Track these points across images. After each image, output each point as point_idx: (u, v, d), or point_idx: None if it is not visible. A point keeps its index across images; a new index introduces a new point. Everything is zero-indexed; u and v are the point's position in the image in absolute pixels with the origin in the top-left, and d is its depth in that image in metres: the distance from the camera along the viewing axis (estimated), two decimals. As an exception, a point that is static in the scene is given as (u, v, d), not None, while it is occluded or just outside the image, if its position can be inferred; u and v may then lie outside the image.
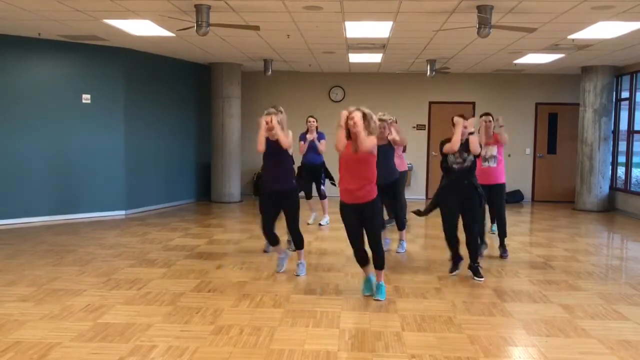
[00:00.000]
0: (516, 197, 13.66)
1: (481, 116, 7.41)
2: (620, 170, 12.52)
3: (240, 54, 11.02)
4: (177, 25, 7.69)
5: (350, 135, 5.26)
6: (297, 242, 6.30)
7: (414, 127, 13.76)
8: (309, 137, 8.98)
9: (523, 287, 6.07)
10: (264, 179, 6.30)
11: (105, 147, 10.27)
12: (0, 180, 9.28)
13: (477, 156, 6.22)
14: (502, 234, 7.44)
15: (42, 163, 9.64)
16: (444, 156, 6.25)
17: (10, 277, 6.11)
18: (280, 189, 6.08)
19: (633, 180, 12.17)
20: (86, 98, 10.08)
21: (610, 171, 12.49)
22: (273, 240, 6.31)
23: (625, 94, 12.35)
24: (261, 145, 6.04)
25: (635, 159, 12.15)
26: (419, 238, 8.97)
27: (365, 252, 5.51)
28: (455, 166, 6.15)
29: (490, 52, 10.34)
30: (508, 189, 13.44)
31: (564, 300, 5.61)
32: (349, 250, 7.70)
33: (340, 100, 13.82)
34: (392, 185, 7.17)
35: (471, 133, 6.09)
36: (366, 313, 5.11)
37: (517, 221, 11.04)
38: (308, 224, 9.39)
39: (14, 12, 7.54)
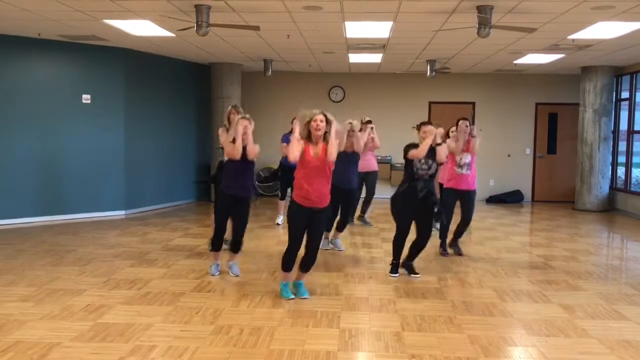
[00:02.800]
0: (516, 197, 13.66)
1: (458, 121, 7.45)
2: (620, 170, 12.52)
3: (240, 54, 11.02)
4: (177, 25, 7.69)
5: (310, 137, 5.20)
6: (239, 247, 6.24)
7: (413, 127, 13.71)
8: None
9: (523, 287, 6.07)
10: (225, 182, 6.09)
11: (105, 147, 10.27)
12: (0, 179, 9.27)
13: (440, 164, 6.25)
14: (459, 235, 7.51)
15: (42, 163, 9.64)
16: (408, 161, 6.19)
17: (10, 277, 6.11)
18: (242, 194, 6.03)
19: (633, 180, 12.17)
20: (86, 98, 10.08)
21: (610, 171, 12.49)
22: (221, 245, 6.29)
23: (625, 94, 12.35)
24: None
25: (635, 159, 12.15)
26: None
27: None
28: (420, 172, 6.12)
29: (490, 52, 10.34)
30: (508, 188, 13.66)
31: (564, 300, 5.61)
32: (349, 250, 7.76)
33: (340, 100, 13.83)
34: (352, 191, 7.39)
35: (438, 144, 6.13)
36: (366, 313, 5.11)
37: (517, 221, 11.04)
38: (278, 224, 9.52)
39: (14, 12, 7.54)
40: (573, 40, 8.98)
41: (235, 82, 12.51)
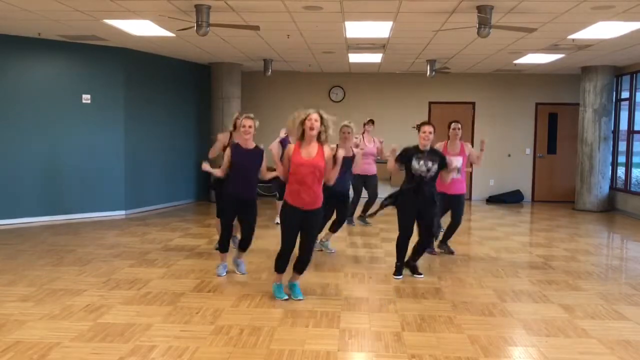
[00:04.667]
0: (516, 197, 13.66)
1: (450, 124, 7.45)
2: (620, 170, 12.52)
3: (240, 54, 11.02)
4: (177, 25, 7.69)
5: (304, 137, 5.15)
6: (247, 246, 6.24)
7: (413, 127, 13.71)
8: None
9: (523, 287, 6.07)
10: (231, 184, 6.07)
11: (105, 147, 10.27)
12: (0, 179, 9.28)
13: (441, 169, 6.22)
14: (449, 235, 7.54)
15: (42, 163, 9.64)
16: (407, 162, 6.15)
17: (10, 277, 6.11)
18: (250, 197, 6.04)
19: (633, 180, 12.17)
20: (86, 98, 10.08)
21: (610, 171, 12.49)
22: (228, 247, 6.30)
23: (625, 94, 12.35)
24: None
25: (635, 159, 12.15)
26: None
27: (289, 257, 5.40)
28: (419, 174, 6.10)
29: (490, 52, 10.34)
30: (509, 188, 13.66)
31: (564, 300, 5.61)
32: (349, 250, 7.76)
33: (341, 100, 13.83)
34: (346, 194, 7.37)
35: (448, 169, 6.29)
36: (366, 313, 5.11)
37: (517, 221, 11.04)
38: (277, 223, 9.48)
39: (14, 12, 7.54)
40: (573, 40, 8.98)
41: (235, 82, 12.51)
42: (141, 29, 8.47)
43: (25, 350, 4.13)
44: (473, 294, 5.79)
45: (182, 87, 12.27)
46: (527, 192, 13.87)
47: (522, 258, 7.54)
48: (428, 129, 6.13)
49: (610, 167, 12.49)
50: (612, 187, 12.54)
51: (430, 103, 13.88)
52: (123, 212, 10.59)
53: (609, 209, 12.32)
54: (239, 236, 6.47)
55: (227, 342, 4.36)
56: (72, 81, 9.98)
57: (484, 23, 6.86)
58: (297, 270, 5.48)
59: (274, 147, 8.11)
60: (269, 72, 11.95)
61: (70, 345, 4.25)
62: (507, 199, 13.55)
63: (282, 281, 5.54)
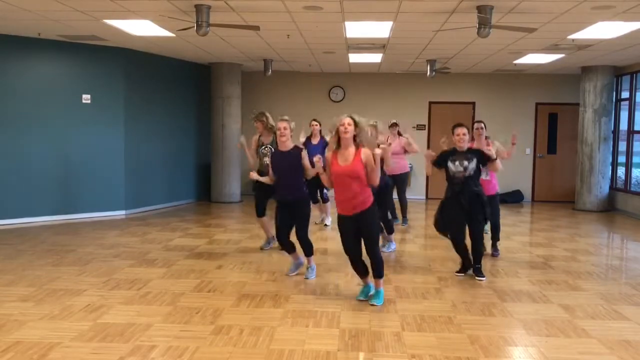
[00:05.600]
0: (516, 197, 13.66)
1: (473, 124, 7.40)
2: (620, 170, 12.52)
3: (240, 54, 11.02)
4: (177, 25, 7.69)
5: (340, 143, 5.13)
6: (307, 249, 6.19)
7: (414, 127, 13.75)
8: (314, 141, 9.00)
9: (523, 287, 6.07)
10: (277, 191, 6.10)
11: (105, 147, 10.27)
12: (0, 180, 9.28)
13: (484, 164, 6.17)
14: (495, 237, 7.48)
15: (42, 163, 9.64)
16: (444, 165, 6.16)
17: (10, 277, 6.11)
18: (294, 198, 5.99)
19: (633, 180, 12.17)
20: (86, 98, 10.08)
21: (610, 171, 12.49)
22: (289, 247, 6.23)
23: (625, 94, 12.35)
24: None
25: (635, 159, 12.15)
26: (418, 238, 8.97)
27: (363, 262, 5.39)
28: (457, 175, 6.08)
29: (490, 52, 10.34)
30: (508, 188, 13.65)
31: (564, 300, 5.61)
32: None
33: (341, 100, 13.83)
34: (383, 187, 7.17)
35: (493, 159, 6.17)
36: (366, 313, 5.11)
37: (517, 221, 11.04)
38: (315, 223, 9.49)
39: (14, 12, 7.54)
40: (573, 40, 8.98)
41: (235, 82, 12.51)
42: (141, 29, 8.47)
43: (25, 350, 4.13)
44: (473, 294, 5.79)
45: (182, 87, 12.27)
46: (527, 192, 13.87)
47: (522, 258, 7.53)
48: (462, 130, 6.09)
49: (610, 167, 12.49)
50: (612, 187, 12.54)
51: (430, 103, 13.89)
52: (123, 212, 10.59)
53: (609, 209, 12.32)
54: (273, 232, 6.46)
55: (227, 342, 4.36)
56: (72, 81, 9.98)
57: (484, 23, 6.86)
58: (374, 275, 5.39)
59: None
60: (269, 72, 11.95)
61: (70, 345, 4.25)
62: (507, 199, 13.54)
63: (368, 283, 5.49)
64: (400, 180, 9.51)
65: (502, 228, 7.95)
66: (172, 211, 11.32)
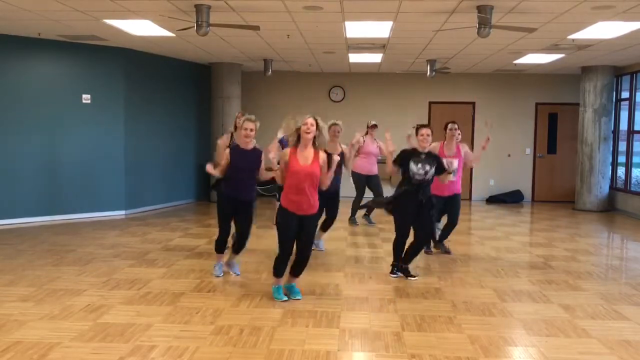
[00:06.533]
0: (516, 197, 13.66)
1: (447, 124, 7.39)
2: (620, 170, 12.52)
3: (240, 54, 11.02)
4: (177, 25, 7.69)
5: (299, 141, 5.17)
6: (243, 247, 6.21)
7: (413, 127, 13.72)
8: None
9: (523, 287, 6.07)
10: (227, 185, 6.05)
11: (105, 147, 10.27)
12: (0, 179, 9.28)
13: (439, 173, 6.23)
14: (445, 235, 7.53)
15: (42, 163, 9.63)
16: (405, 165, 6.16)
17: (10, 277, 6.11)
18: (250, 198, 6.07)
19: (633, 180, 12.17)
20: (86, 98, 10.08)
21: (610, 171, 12.49)
22: (224, 249, 6.29)
23: (625, 94, 12.35)
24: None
25: (635, 159, 12.14)
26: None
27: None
28: (417, 177, 6.09)
29: (490, 52, 10.34)
30: (508, 188, 13.66)
31: (564, 300, 5.61)
32: (349, 250, 7.76)
33: (341, 100, 13.83)
34: (337, 193, 7.26)
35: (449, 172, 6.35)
36: (366, 313, 5.11)
37: (517, 221, 11.04)
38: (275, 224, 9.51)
39: (14, 12, 7.54)
40: (573, 40, 8.98)
41: (235, 82, 12.51)
42: (141, 29, 8.47)
43: (25, 350, 4.13)
44: (473, 294, 5.79)
45: (182, 87, 12.27)
46: (527, 192, 13.87)
47: (522, 258, 7.53)
48: (426, 131, 6.17)
49: (610, 167, 12.49)
50: (612, 187, 12.54)
51: (430, 103, 13.88)
52: (123, 212, 10.59)
53: (609, 209, 12.32)
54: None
55: (227, 342, 4.36)
56: (72, 81, 9.98)
57: (484, 23, 6.86)
58: (294, 273, 5.47)
59: (274, 148, 8.04)
60: (269, 72, 11.94)
61: (70, 345, 4.25)
62: (507, 199, 13.55)
63: (280, 283, 5.52)
64: (375, 183, 9.54)
65: (502, 228, 8.05)
66: (172, 211, 11.32)
